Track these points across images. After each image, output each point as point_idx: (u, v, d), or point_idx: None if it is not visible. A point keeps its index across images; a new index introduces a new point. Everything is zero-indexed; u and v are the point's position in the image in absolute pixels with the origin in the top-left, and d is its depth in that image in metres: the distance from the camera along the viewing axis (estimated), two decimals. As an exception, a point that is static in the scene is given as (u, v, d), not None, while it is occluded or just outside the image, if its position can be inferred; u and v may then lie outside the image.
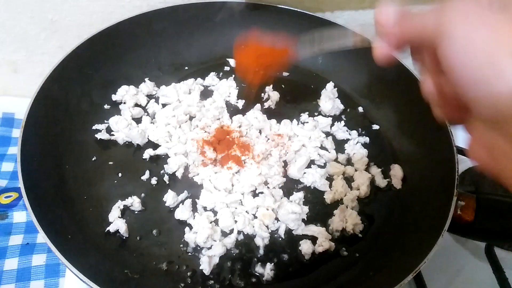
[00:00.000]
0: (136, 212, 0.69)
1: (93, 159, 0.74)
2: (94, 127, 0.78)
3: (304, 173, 0.76)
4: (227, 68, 0.92)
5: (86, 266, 0.56)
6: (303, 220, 0.70)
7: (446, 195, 0.65)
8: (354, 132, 0.84)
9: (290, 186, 0.75)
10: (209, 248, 0.65)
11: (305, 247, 0.67)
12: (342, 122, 0.85)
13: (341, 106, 0.87)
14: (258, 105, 0.85)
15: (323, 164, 0.78)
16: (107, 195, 0.70)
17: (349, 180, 0.77)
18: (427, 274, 0.73)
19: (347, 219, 0.70)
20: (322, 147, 0.81)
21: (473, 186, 0.84)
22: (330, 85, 0.88)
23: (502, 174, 0.35)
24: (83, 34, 0.81)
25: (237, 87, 0.88)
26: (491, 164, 0.36)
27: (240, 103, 0.86)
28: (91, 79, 0.81)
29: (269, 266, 0.64)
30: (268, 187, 0.73)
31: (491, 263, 0.73)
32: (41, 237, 0.57)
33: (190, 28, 0.92)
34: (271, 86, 0.88)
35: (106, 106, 0.82)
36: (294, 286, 0.64)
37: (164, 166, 0.74)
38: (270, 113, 0.85)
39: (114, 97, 0.82)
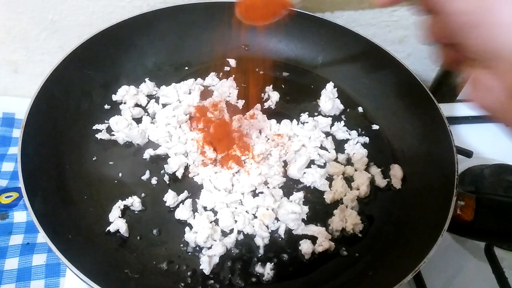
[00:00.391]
0: (136, 212, 0.69)
1: (93, 159, 0.74)
2: (94, 127, 0.78)
3: (304, 173, 0.76)
4: (227, 68, 0.92)
5: (86, 266, 0.56)
6: (303, 220, 0.70)
7: (445, 195, 0.65)
8: (354, 132, 0.84)
9: (290, 186, 0.75)
10: (209, 248, 0.65)
11: (305, 247, 0.67)
12: (342, 122, 0.85)
13: (341, 106, 0.87)
14: (258, 105, 0.85)
15: (323, 164, 0.78)
16: (107, 195, 0.70)
17: (349, 180, 0.77)
18: (427, 274, 0.73)
19: (347, 219, 0.70)
20: (322, 147, 0.81)
21: (472, 186, 0.84)
22: (330, 85, 0.88)
23: (500, 115, 0.38)
24: (83, 34, 0.81)
25: (237, 87, 0.88)
26: (492, 106, 0.38)
27: (240, 103, 0.86)
28: (91, 79, 0.81)
29: (269, 266, 0.64)
30: (268, 187, 0.73)
31: (491, 263, 0.73)
32: (42, 237, 0.57)
33: (190, 28, 0.92)
34: (271, 86, 0.89)
35: (106, 106, 0.82)
36: (294, 286, 0.64)
37: (164, 166, 0.75)
38: (270, 113, 0.85)
39: (114, 97, 0.83)
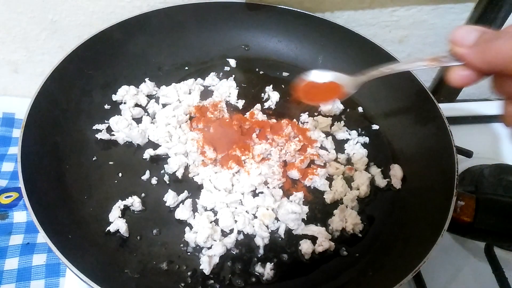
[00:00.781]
0: (136, 212, 0.69)
1: (93, 159, 0.74)
2: (94, 127, 0.78)
3: (304, 173, 0.76)
4: (227, 68, 0.92)
5: (86, 265, 0.56)
6: (303, 220, 0.70)
7: (445, 195, 0.65)
8: (354, 132, 0.84)
9: (290, 186, 0.75)
10: (209, 248, 0.65)
11: (305, 247, 0.67)
12: (342, 122, 0.85)
13: (341, 106, 0.87)
14: (258, 105, 0.85)
15: (323, 164, 0.79)
16: (107, 195, 0.70)
17: (349, 180, 0.77)
18: (426, 274, 0.73)
19: (347, 219, 0.70)
20: (322, 147, 0.81)
21: (472, 186, 0.84)
22: (330, 85, 0.88)
23: None
24: (83, 34, 0.81)
25: (237, 87, 0.88)
26: None
27: (240, 103, 0.86)
28: (91, 79, 0.81)
29: (269, 265, 0.64)
30: (268, 187, 0.73)
31: (490, 263, 0.73)
32: (42, 237, 0.57)
33: (190, 28, 0.92)
34: (271, 86, 0.88)
35: (106, 106, 0.82)
36: (294, 285, 0.64)
37: (164, 166, 0.75)
38: (270, 113, 0.85)
39: (115, 97, 0.83)
